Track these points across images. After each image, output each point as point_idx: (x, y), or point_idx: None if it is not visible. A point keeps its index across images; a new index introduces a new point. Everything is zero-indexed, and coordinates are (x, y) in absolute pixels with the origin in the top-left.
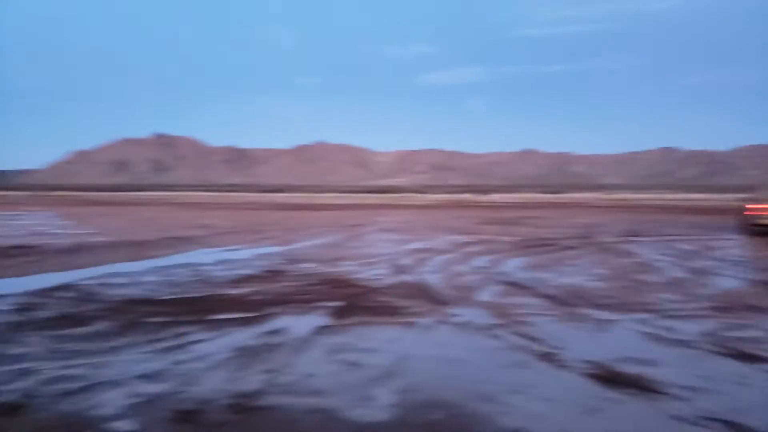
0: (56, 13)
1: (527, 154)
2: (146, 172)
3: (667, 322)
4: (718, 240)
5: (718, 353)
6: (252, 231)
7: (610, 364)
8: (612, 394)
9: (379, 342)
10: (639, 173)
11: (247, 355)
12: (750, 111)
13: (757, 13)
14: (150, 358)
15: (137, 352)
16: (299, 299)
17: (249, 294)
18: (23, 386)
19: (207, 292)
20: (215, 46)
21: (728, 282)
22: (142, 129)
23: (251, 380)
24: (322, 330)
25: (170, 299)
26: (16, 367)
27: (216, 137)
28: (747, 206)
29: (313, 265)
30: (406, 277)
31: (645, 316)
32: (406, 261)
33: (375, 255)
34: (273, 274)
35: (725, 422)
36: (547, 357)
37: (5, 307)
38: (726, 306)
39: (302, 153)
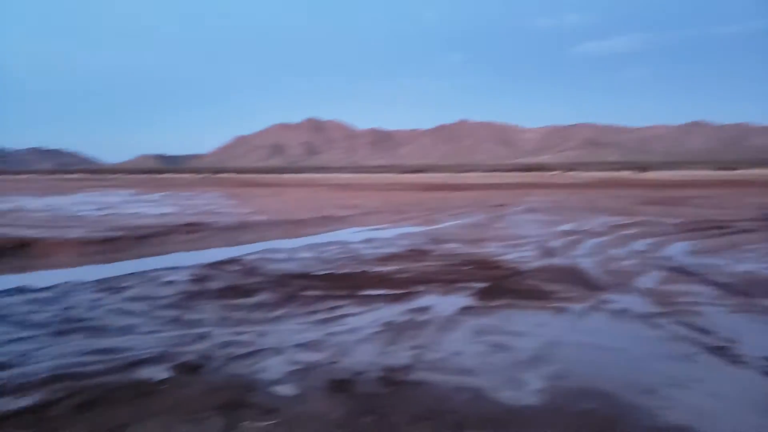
0: (220, 8)
1: (693, 127)
2: (299, 155)
3: None
4: None
5: None
6: (396, 211)
7: None
8: None
9: (527, 326)
10: None
11: (395, 330)
12: None
13: None
14: (307, 328)
15: (295, 323)
16: (443, 279)
17: (395, 272)
18: (200, 348)
19: (356, 268)
20: (362, 31)
21: None
22: (296, 115)
23: (400, 355)
24: (467, 310)
25: (323, 274)
26: (195, 331)
27: (362, 120)
28: None
29: (456, 245)
30: (556, 260)
31: None
32: (555, 243)
33: (521, 236)
34: (417, 254)
35: None
36: (719, 351)
37: (183, 278)
38: None
39: (444, 132)
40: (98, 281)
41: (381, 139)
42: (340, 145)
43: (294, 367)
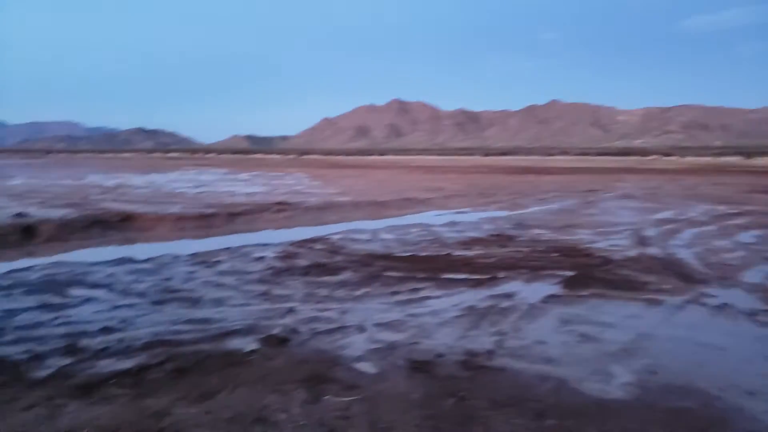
0: None
1: None
2: (384, 137)
3: None
4: None
5: None
6: (480, 194)
7: None
8: None
9: (617, 317)
10: None
11: (477, 315)
12: None
13: None
14: (388, 308)
15: (377, 302)
16: (528, 265)
17: (478, 256)
18: (287, 323)
19: (438, 251)
20: (450, 10)
21: None
22: (382, 96)
23: (482, 340)
24: (552, 298)
25: (405, 256)
26: (281, 306)
27: (448, 101)
28: None
29: (543, 231)
30: (651, 250)
31: None
32: (650, 232)
33: (613, 224)
34: (501, 239)
35: None
36: None
37: (272, 255)
38: None
39: (533, 113)
40: (193, 255)
41: (467, 120)
42: (424, 127)
43: (375, 346)
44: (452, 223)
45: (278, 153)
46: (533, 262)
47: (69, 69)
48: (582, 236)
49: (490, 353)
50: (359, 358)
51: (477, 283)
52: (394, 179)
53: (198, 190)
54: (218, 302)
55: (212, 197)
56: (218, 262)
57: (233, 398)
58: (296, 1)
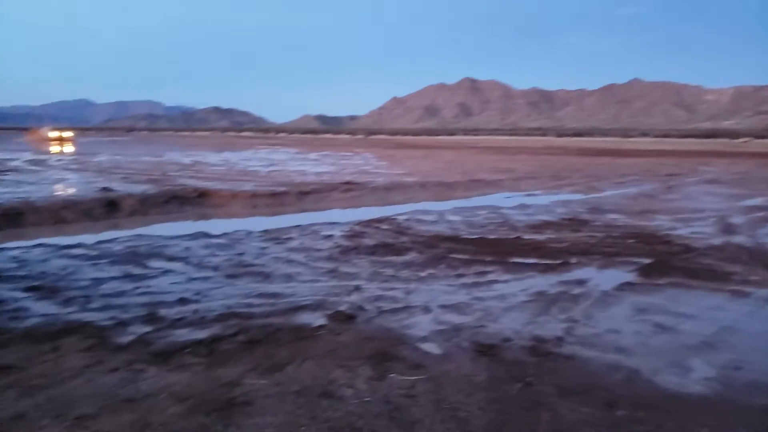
0: None
1: None
2: (453, 117)
3: None
4: None
5: None
6: (553, 177)
7: None
8: None
9: (697, 308)
10: None
11: (546, 301)
12: None
13: None
14: (454, 290)
15: (443, 284)
16: (602, 251)
17: (549, 241)
18: (353, 300)
19: (507, 234)
20: None
21: None
22: (453, 75)
23: (551, 326)
24: (627, 286)
25: (472, 239)
26: (348, 283)
27: (521, 80)
28: None
29: (619, 216)
30: (738, 239)
31: None
32: (738, 219)
33: (695, 210)
34: (574, 223)
35: None
36: None
37: (339, 233)
38: None
39: (612, 92)
40: (265, 231)
41: (540, 99)
42: (495, 106)
43: (440, 327)
44: (522, 206)
45: (347, 133)
46: (607, 248)
47: (151, 50)
48: (661, 222)
49: (559, 340)
50: (424, 339)
51: (547, 268)
52: (463, 160)
53: (269, 168)
54: (288, 278)
55: (283, 176)
56: (288, 239)
57: (301, 371)
58: None
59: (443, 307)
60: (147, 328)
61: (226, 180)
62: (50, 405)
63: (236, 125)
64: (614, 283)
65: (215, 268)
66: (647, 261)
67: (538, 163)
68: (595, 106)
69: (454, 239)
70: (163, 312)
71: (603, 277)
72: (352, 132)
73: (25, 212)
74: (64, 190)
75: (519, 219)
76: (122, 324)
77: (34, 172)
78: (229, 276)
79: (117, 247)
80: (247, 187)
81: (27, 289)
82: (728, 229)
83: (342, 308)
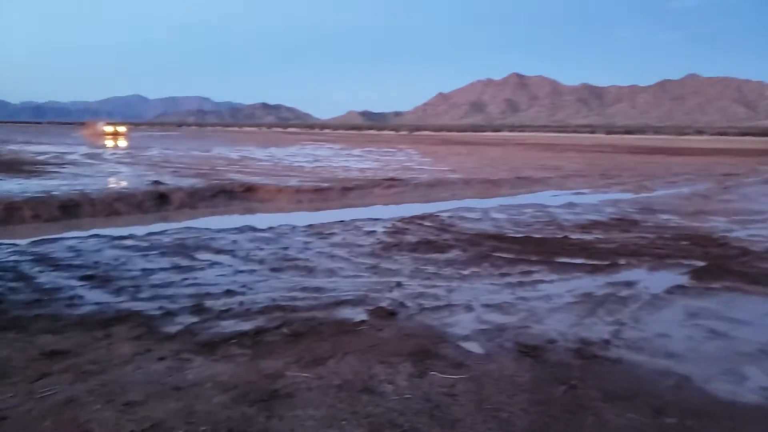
0: None
1: None
2: (500, 113)
3: None
4: None
5: None
6: (602, 175)
7: None
8: None
9: (754, 314)
10: None
11: (593, 302)
12: None
13: None
14: (497, 290)
15: (486, 283)
16: (653, 253)
17: (597, 241)
18: (395, 296)
19: (554, 234)
20: None
21: None
22: (500, 70)
23: (597, 329)
24: (678, 289)
25: (517, 237)
26: (391, 279)
27: (570, 76)
28: None
29: (671, 216)
30: None
31: None
32: None
33: (755, 211)
34: (624, 223)
35: None
36: None
37: (381, 229)
38: None
39: (667, 88)
40: (309, 226)
41: (590, 95)
42: (543, 102)
43: (483, 326)
44: (570, 205)
45: (390, 129)
46: (659, 250)
47: (201, 47)
48: (716, 224)
49: (605, 343)
50: (466, 338)
51: (595, 269)
52: (509, 157)
53: (314, 164)
54: (330, 272)
55: (327, 172)
56: (331, 234)
57: (342, 366)
58: None
59: (486, 306)
60: (194, 319)
61: (271, 175)
62: (102, 390)
63: (282, 121)
64: (665, 286)
65: (260, 262)
66: (701, 264)
67: (587, 161)
68: (648, 103)
69: (499, 237)
70: (209, 303)
71: (653, 280)
72: (395, 128)
73: (82, 204)
74: (117, 183)
75: (566, 218)
76: (170, 314)
77: (90, 166)
78: (274, 269)
79: (166, 239)
80: (292, 182)
81: (82, 278)
82: None
83: (383, 304)
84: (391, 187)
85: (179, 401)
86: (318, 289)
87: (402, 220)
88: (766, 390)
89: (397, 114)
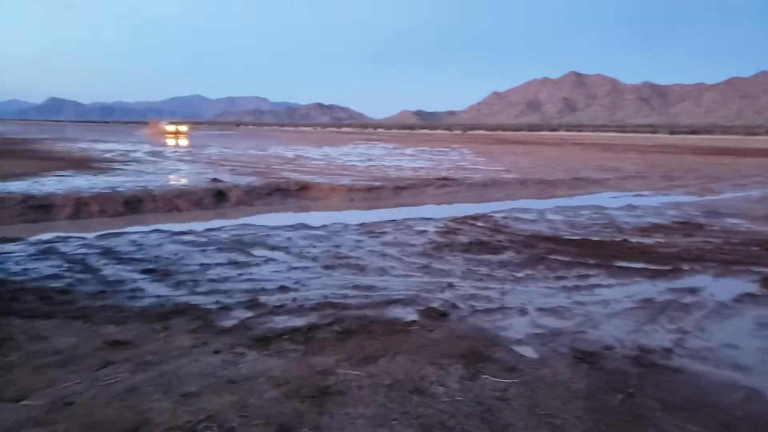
0: None
1: None
2: (557, 112)
3: None
4: None
5: None
6: (664, 176)
7: None
8: None
9: None
10: None
11: (654, 309)
12: None
13: None
14: (553, 293)
15: (540, 286)
16: (719, 258)
17: (658, 245)
18: (446, 297)
19: (612, 237)
20: None
21: None
22: (557, 69)
23: (658, 336)
24: (747, 298)
25: (574, 239)
26: (443, 280)
27: (630, 74)
28: None
29: (739, 221)
30: None
31: None
32: None
33: None
34: (687, 227)
35: None
36: None
37: (433, 229)
38: None
39: (734, 87)
40: (361, 224)
41: (652, 94)
42: (602, 101)
43: (537, 330)
44: (629, 207)
45: (444, 128)
46: (725, 255)
47: (258, 48)
48: None
49: (666, 351)
50: (519, 341)
51: (656, 274)
52: (566, 157)
53: (367, 163)
54: (382, 271)
55: (380, 171)
56: (383, 233)
57: (393, 365)
58: None
59: (541, 309)
60: (248, 314)
61: (325, 174)
62: (160, 381)
63: (336, 121)
64: (733, 294)
65: (314, 259)
66: None
67: (648, 162)
68: (715, 102)
69: (555, 239)
70: (264, 299)
71: (719, 287)
72: (449, 127)
73: (144, 200)
74: (178, 180)
75: (625, 220)
76: (226, 308)
77: (153, 163)
78: (327, 267)
79: (223, 235)
80: (345, 181)
81: (143, 271)
82: None
83: (434, 305)
84: (444, 186)
85: (233, 394)
86: (369, 288)
87: (454, 220)
88: None
89: (451, 113)
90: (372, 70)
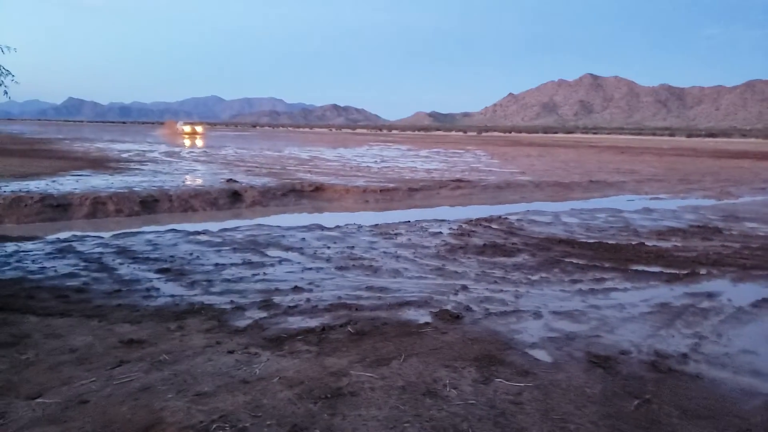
0: None
1: None
2: (573, 114)
3: None
4: None
5: None
6: (681, 180)
7: None
8: None
9: None
10: None
11: (671, 313)
12: None
13: None
14: (568, 297)
15: (555, 289)
16: (738, 263)
17: (676, 249)
18: (460, 299)
19: (628, 240)
20: None
21: None
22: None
23: (675, 341)
24: (766, 303)
25: (589, 243)
26: (456, 282)
27: (647, 76)
28: None
29: (759, 225)
30: None
31: None
32: None
33: None
34: (705, 231)
35: None
36: None
37: (447, 231)
38: None
39: (754, 89)
40: (375, 226)
41: (670, 96)
42: (619, 104)
43: (551, 334)
44: (646, 210)
45: (459, 130)
46: (744, 260)
47: (274, 50)
48: None
49: (683, 357)
50: (533, 345)
51: (673, 278)
52: (582, 159)
53: (381, 165)
54: (395, 273)
55: (394, 172)
56: (397, 234)
57: (406, 367)
58: None
59: (555, 313)
60: (262, 314)
61: (340, 175)
62: (174, 380)
63: (351, 122)
64: (751, 299)
65: (327, 260)
66: None
67: (665, 165)
68: (734, 104)
69: (570, 242)
70: (277, 299)
71: (738, 292)
72: (464, 129)
73: (160, 200)
74: (194, 180)
75: (642, 224)
76: (240, 308)
77: (169, 163)
78: (340, 268)
79: (238, 236)
80: (360, 182)
81: (158, 271)
82: None
83: (448, 307)
84: (458, 188)
85: (247, 394)
86: (383, 289)
87: (468, 222)
88: None
89: (466, 115)
90: (387, 71)
